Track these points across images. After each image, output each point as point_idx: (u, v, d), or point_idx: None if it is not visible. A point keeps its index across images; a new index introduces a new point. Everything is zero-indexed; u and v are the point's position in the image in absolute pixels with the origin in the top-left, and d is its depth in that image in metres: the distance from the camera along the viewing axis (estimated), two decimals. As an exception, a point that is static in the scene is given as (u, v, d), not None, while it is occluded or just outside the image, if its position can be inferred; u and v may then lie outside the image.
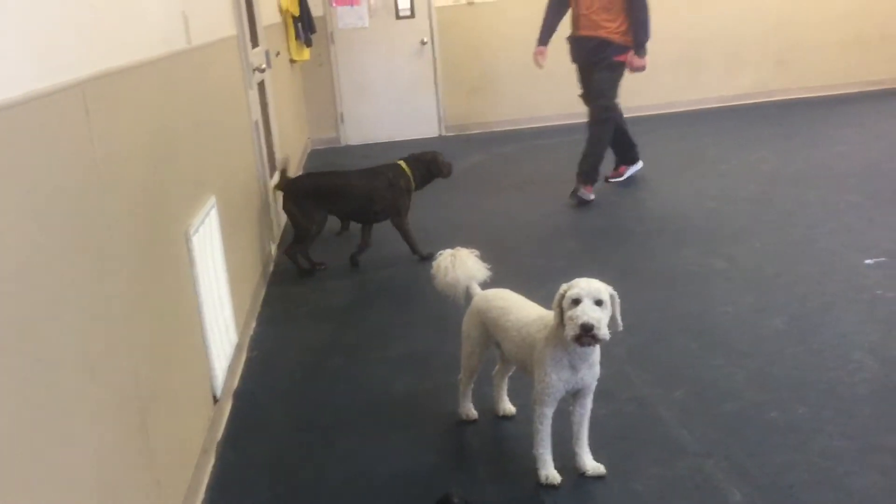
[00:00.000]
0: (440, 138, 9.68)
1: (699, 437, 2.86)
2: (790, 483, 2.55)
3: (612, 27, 6.02)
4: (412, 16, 9.70)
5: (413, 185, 5.23)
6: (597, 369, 2.59)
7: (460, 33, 9.70)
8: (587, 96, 6.32)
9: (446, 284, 3.01)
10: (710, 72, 9.95)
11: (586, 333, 2.37)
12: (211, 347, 3.14)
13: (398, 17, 9.68)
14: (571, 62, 6.39)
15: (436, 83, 9.86)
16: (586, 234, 5.54)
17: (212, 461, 2.97)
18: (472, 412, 3.10)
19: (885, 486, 2.50)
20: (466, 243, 3.12)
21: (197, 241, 3.07)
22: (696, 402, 3.11)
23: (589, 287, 2.42)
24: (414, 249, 5.20)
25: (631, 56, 6.02)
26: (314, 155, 9.24)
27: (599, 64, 6.10)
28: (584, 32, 6.14)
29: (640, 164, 6.85)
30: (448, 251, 3.06)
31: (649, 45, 6.02)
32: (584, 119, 6.35)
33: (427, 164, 5.28)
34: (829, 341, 3.54)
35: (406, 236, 5.22)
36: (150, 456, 2.29)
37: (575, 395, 2.62)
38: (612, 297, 2.46)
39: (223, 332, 3.39)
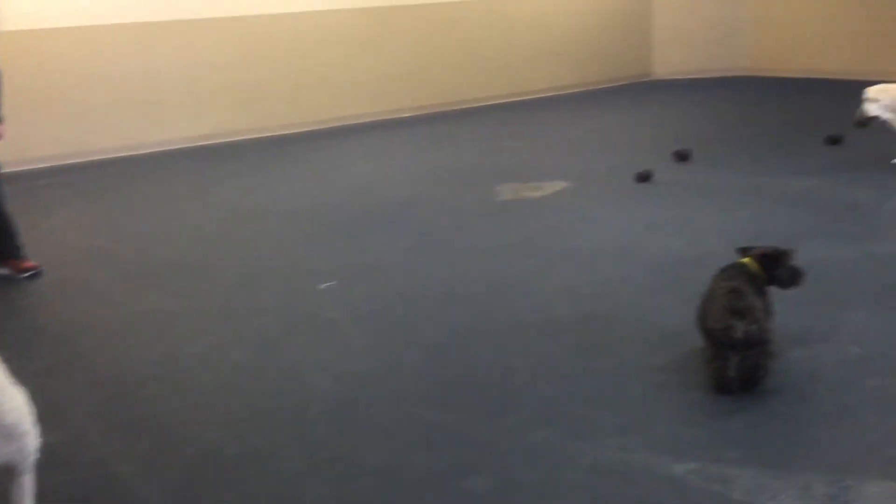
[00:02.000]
0: None
1: (160, 488, 2.78)
2: (247, 515, 2.61)
3: None
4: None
5: None
6: (22, 444, 2.28)
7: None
8: None
9: None
10: (175, 113, 9.96)
11: None
12: None
13: None
14: None
15: None
16: (38, 289, 5.09)
17: None
18: None
19: (336, 494, 2.70)
20: None
21: None
22: (159, 451, 3.04)
23: None
24: None
25: None
26: None
27: None
28: None
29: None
30: None
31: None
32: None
33: None
34: (286, 367, 3.73)
35: None
36: None
37: (4, 475, 2.33)
38: None
39: None
